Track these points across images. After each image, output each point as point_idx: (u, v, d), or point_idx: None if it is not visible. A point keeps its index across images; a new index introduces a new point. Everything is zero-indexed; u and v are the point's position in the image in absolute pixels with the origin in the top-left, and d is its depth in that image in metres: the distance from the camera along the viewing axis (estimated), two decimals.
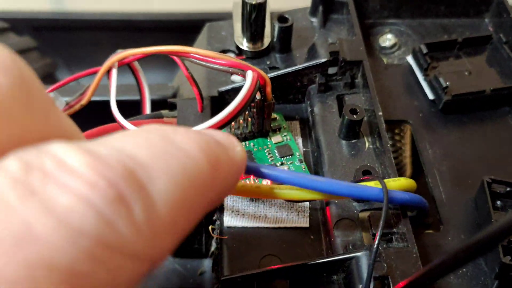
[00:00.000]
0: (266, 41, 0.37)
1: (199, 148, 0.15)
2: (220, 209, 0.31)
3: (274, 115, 0.34)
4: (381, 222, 0.23)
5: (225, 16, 0.50)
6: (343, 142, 0.32)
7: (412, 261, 0.25)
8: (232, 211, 0.30)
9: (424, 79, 0.36)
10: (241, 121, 0.32)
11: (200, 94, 0.33)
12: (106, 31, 0.79)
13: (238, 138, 0.32)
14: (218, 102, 0.35)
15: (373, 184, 0.26)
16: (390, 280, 0.24)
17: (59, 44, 0.75)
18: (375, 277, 0.24)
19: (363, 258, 0.25)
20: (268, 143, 0.33)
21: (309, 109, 0.35)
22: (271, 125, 0.33)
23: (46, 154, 0.13)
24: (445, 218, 0.30)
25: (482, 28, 0.40)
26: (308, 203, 0.31)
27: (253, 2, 0.33)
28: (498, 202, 0.29)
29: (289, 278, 0.27)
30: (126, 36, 0.78)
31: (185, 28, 0.76)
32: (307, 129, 0.35)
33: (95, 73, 0.33)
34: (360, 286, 0.24)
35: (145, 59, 0.34)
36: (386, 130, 0.31)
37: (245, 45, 0.37)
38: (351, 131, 0.31)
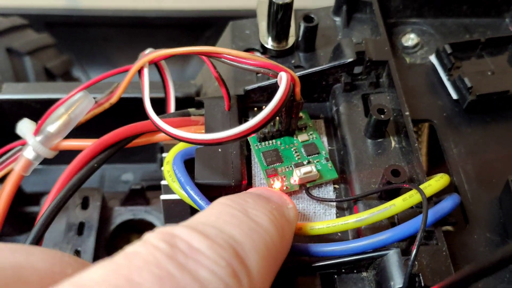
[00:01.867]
0: (291, 40, 0.37)
1: (270, 222, 0.22)
2: None
3: (300, 114, 0.34)
4: (419, 233, 0.24)
5: (235, 14, 0.49)
6: (369, 141, 0.32)
7: (442, 259, 0.26)
8: None
9: (447, 79, 0.36)
10: None
11: (228, 93, 0.33)
12: (118, 27, 0.79)
13: (265, 136, 0.33)
14: (244, 100, 0.35)
15: (413, 193, 0.26)
16: (421, 277, 0.25)
17: (71, 40, 0.76)
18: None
19: (394, 256, 0.26)
20: (295, 142, 0.33)
21: (334, 108, 0.35)
22: (297, 124, 0.34)
23: (177, 237, 0.19)
24: (471, 217, 0.30)
25: (502, 27, 0.41)
26: (335, 202, 0.32)
27: (280, 2, 0.34)
28: None
29: (319, 274, 0.27)
30: (138, 33, 0.79)
31: (195, 25, 0.76)
32: (331, 127, 0.35)
33: (124, 71, 0.33)
34: (392, 283, 0.25)
35: None
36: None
37: (270, 44, 0.37)
38: (378, 130, 0.32)
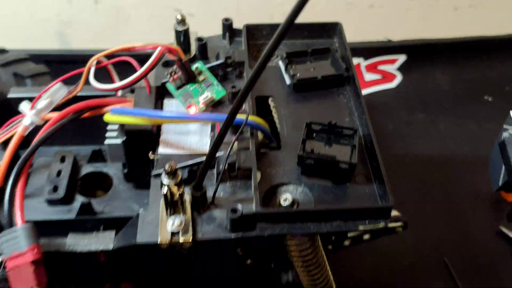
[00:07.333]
0: (192, 52, 0.60)
1: None
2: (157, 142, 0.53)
3: (196, 65, 0.57)
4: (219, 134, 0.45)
5: None
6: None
7: (250, 156, 0.47)
8: (164, 143, 0.53)
9: (285, 73, 0.59)
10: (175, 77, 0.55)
11: (149, 84, 0.56)
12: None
13: (179, 86, 0.55)
14: (160, 89, 0.58)
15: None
16: (236, 161, 0.46)
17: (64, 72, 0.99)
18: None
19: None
20: (197, 82, 0.56)
21: None
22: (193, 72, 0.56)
23: None
24: (285, 144, 0.52)
25: (333, 45, 0.64)
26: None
27: (180, 29, 0.57)
28: (314, 135, 0.51)
29: None
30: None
31: None
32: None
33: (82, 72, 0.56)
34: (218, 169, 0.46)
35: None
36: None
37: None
38: (233, 100, 0.54)
